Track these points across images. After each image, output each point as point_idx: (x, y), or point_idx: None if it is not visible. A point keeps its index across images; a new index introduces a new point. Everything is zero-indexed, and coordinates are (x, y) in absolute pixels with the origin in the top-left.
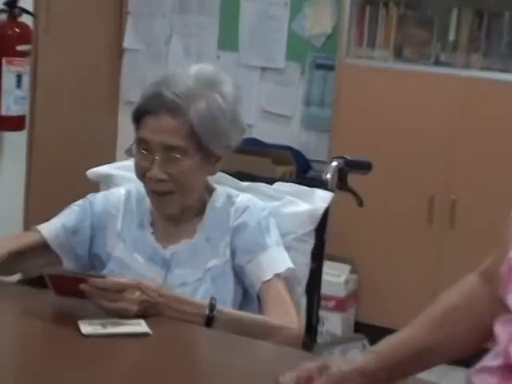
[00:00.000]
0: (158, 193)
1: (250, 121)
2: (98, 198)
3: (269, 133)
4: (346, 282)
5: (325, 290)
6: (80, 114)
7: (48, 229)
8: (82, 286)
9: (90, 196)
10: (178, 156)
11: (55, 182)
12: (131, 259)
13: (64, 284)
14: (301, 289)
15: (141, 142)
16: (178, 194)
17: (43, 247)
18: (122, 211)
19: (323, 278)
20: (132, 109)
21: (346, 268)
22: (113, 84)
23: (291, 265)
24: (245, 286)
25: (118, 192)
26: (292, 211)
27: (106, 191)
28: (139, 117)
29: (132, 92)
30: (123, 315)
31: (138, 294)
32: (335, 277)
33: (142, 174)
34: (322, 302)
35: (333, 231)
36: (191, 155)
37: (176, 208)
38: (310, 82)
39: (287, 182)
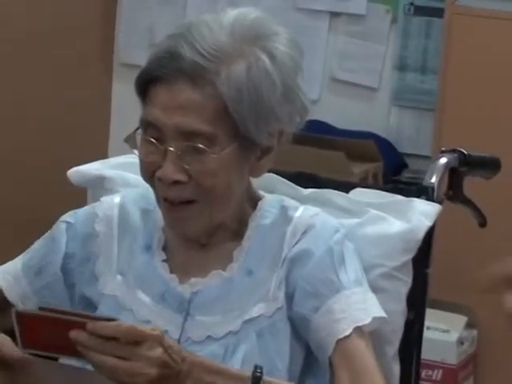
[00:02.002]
0: (171, 202)
1: (314, 94)
2: (79, 216)
3: (342, 113)
4: (460, 341)
5: (427, 353)
6: (54, 81)
7: (4, 272)
8: (74, 335)
9: (65, 216)
10: (201, 146)
11: (13, 183)
12: (131, 298)
13: (43, 330)
14: (392, 350)
15: (148, 126)
16: (203, 205)
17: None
18: (117, 229)
19: (425, 335)
20: (136, 75)
21: (460, 320)
22: (104, 37)
23: (381, 312)
24: (309, 345)
25: (110, 202)
26: (378, 233)
27: (94, 203)
28: (146, 87)
29: (132, 50)
30: (134, 381)
31: (159, 351)
32: (443, 333)
33: (149, 173)
34: (424, 372)
35: (438, 264)
36: (222, 146)
37: (199, 226)
38: (406, 36)
39: (371, 187)
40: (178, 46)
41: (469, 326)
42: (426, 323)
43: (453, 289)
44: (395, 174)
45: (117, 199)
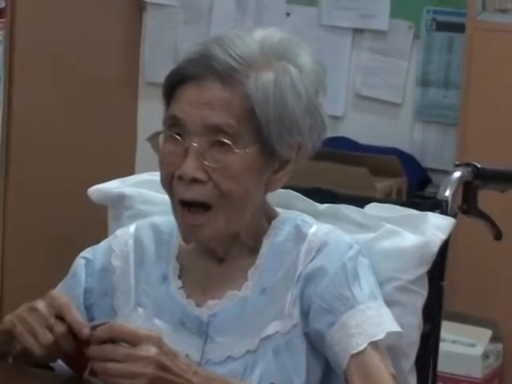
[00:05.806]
0: (187, 205)
1: (337, 111)
2: (97, 252)
3: (366, 129)
4: (485, 355)
5: (453, 367)
6: (81, 101)
7: None
8: (90, 352)
9: (84, 252)
10: (224, 141)
11: (42, 202)
12: (150, 328)
13: (80, 352)
14: (408, 363)
15: (173, 122)
16: (218, 211)
17: None
18: (133, 263)
19: (450, 349)
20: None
21: (485, 334)
22: (129, 56)
23: (396, 327)
24: (327, 360)
25: (125, 235)
26: (393, 247)
27: (110, 237)
28: (174, 87)
29: (157, 69)
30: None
31: (154, 350)
32: (468, 347)
33: (169, 176)
34: None
35: (463, 278)
36: (244, 144)
37: (214, 233)
38: (428, 51)
39: (385, 202)
40: (211, 48)
41: (494, 339)
42: (452, 337)
43: (478, 302)
44: (419, 189)
45: (131, 231)
